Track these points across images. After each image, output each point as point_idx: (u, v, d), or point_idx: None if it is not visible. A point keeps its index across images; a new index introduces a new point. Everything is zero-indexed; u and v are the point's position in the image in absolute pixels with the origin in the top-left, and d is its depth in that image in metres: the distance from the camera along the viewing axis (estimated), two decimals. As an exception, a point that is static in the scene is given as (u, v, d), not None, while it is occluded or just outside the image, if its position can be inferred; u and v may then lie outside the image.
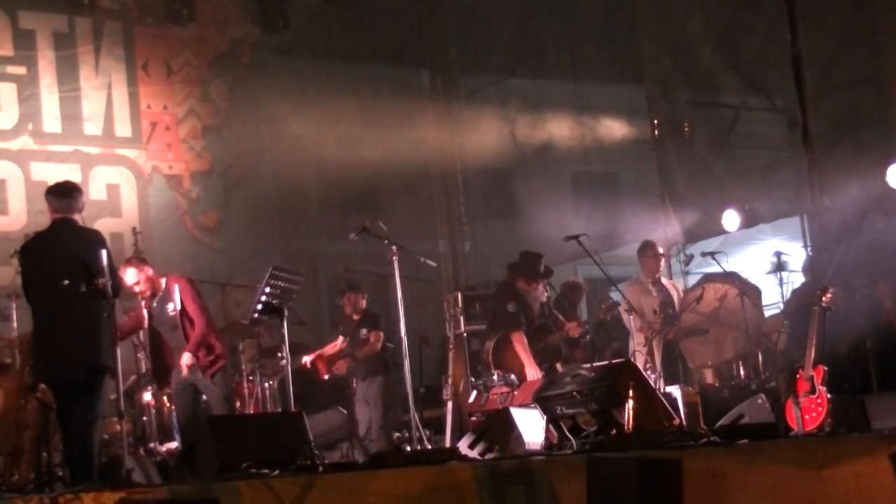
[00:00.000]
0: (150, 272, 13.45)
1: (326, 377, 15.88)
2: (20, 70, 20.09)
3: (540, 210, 25.77)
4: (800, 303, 15.28)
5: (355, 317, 15.56)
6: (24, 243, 11.20)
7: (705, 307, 15.20)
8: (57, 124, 20.05)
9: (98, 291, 10.19)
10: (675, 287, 16.09)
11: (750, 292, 15.28)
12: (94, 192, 19.35)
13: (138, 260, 13.80)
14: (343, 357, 15.81)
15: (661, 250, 15.65)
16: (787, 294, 17.01)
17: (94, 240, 10.64)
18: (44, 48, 20.18)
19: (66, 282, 10.23)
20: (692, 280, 18.01)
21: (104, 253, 10.43)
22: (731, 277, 15.40)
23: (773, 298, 17.51)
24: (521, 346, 14.36)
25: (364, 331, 15.48)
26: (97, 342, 10.36)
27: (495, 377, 14.14)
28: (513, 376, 14.01)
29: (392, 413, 15.61)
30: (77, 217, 10.77)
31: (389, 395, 15.49)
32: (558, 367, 14.52)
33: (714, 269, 15.85)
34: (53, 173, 18.83)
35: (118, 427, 12.26)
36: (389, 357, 15.66)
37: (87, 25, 20.52)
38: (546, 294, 15.01)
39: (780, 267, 17.29)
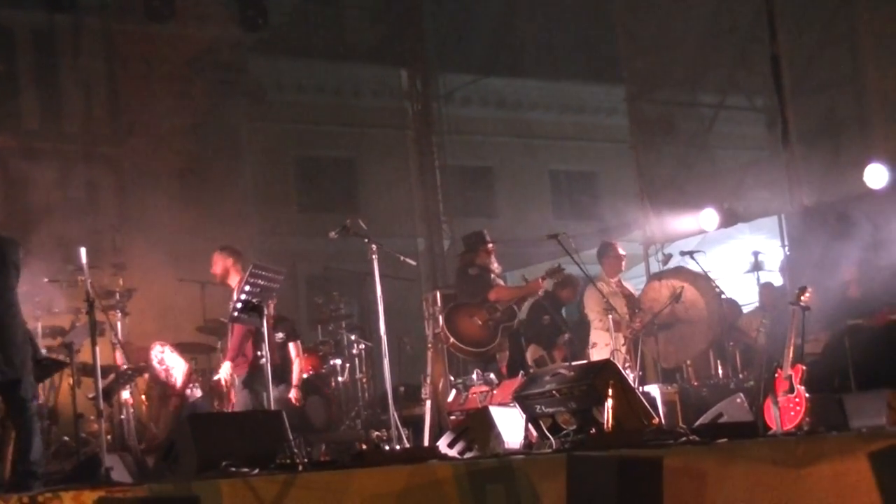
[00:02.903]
0: (230, 262, 13.63)
1: None
2: (-1, 67, 20.07)
3: (519, 208, 25.88)
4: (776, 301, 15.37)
5: None
6: None
7: (659, 306, 15.18)
8: (36, 122, 20.01)
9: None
10: (632, 287, 16.11)
11: (699, 281, 15.28)
12: (74, 189, 19.30)
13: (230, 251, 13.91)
14: None
15: (622, 251, 15.65)
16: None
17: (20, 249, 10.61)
18: (23, 45, 20.14)
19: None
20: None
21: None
22: (679, 272, 15.41)
23: (751, 298, 17.55)
24: (505, 290, 14.61)
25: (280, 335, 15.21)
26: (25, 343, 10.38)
27: (475, 376, 14.15)
28: (492, 375, 14.02)
29: None
30: None
31: None
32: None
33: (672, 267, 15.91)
34: (33, 171, 18.79)
35: (97, 426, 12.23)
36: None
37: (67, 23, 20.47)
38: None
39: (757, 266, 17.32)
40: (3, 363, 10.08)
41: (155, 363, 14.70)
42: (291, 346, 14.57)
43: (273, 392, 14.13)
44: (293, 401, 14.59)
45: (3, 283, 10.26)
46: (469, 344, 14.42)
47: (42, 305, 14.17)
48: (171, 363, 14.60)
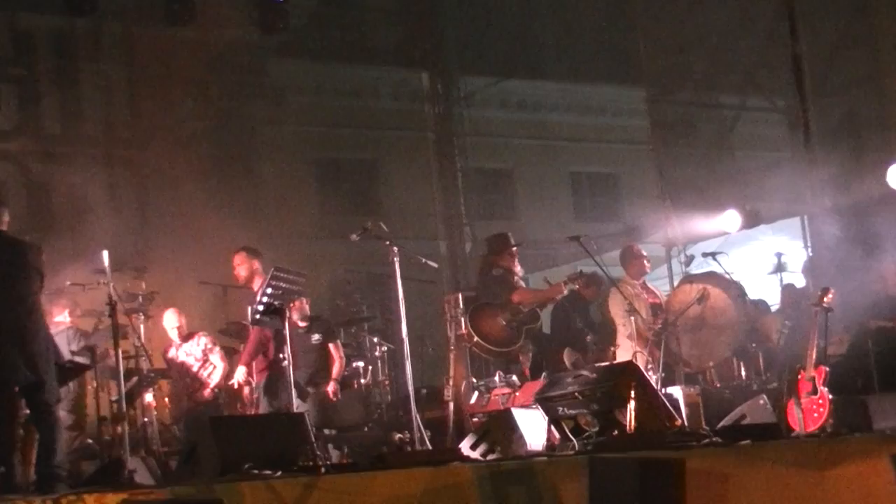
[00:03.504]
0: (255, 263, 13.68)
1: None
2: (20, 71, 20.11)
3: (540, 210, 25.86)
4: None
5: (302, 323, 15.22)
6: None
7: (692, 309, 15.14)
8: (57, 126, 20.06)
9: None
10: (658, 289, 16.08)
11: (731, 289, 15.24)
12: (93, 193, 19.33)
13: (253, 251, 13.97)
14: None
15: (644, 252, 15.61)
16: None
17: (42, 253, 10.63)
18: (44, 50, 20.20)
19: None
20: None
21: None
22: (711, 277, 15.34)
23: (773, 299, 17.50)
24: (528, 293, 14.63)
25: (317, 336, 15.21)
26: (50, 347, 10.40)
27: (497, 378, 14.13)
28: (514, 377, 14.01)
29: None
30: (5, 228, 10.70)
31: None
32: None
33: (703, 270, 15.84)
34: (54, 174, 18.86)
35: (119, 428, 12.25)
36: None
37: (87, 27, 20.52)
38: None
39: (780, 267, 17.27)
40: (27, 367, 10.11)
41: (194, 349, 14.71)
42: (331, 346, 14.73)
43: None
44: (331, 395, 14.66)
45: (25, 288, 10.28)
46: (492, 343, 14.41)
47: (65, 309, 14.20)
48: (214, 360, 14.59)
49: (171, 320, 14.81)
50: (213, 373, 14.68)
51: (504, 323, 14.35)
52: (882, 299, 13.95)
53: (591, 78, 27.24)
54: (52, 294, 12.77)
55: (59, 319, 13.68)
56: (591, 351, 15.04)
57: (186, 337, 14.86)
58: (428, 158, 25.55)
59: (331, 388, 14.61)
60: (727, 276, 15.02)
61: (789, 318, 15.41)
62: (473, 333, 14.35)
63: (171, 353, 14.83)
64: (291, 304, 14.27)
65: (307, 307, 14.99)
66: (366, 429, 15.54)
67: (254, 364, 13.64)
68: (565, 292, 14.86)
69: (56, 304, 13.60)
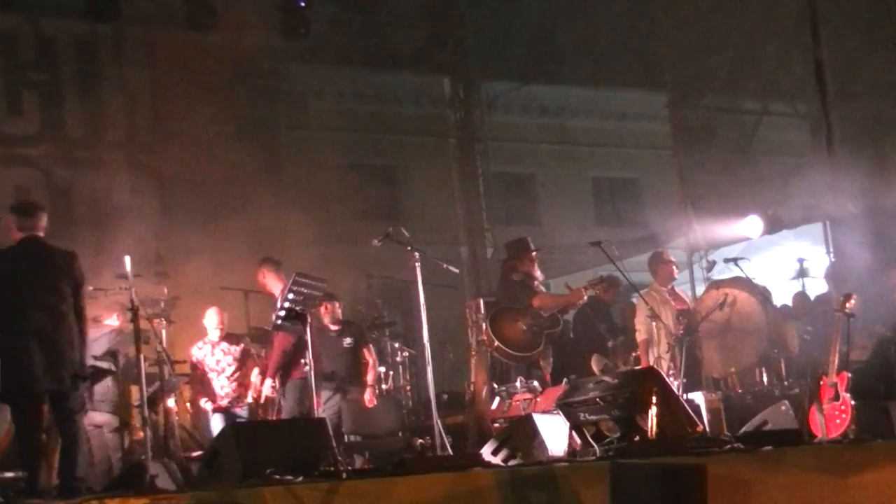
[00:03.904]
0: (273, 274, 13.81)
1: None
2: (43, 77, 20.17)
3: (561, 215, 25.82)
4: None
5: (334, 327, 15.26)
6: None
7: (717, 314, 15.12)
8: (79, 131, 20.12)
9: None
10: (686, 295, 16.06)
11: (757, 294, 15.22)
12: (116, 197, 19.39)
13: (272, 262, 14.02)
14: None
15: (672, 257, 15.60)
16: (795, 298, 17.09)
17: (78, 261, 10.66)
18: (66, 55, 20.26)
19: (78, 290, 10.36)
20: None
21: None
22: (738, 282, 15.31)
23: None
24: (548, 298, 14.61)
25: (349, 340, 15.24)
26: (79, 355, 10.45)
27: (518, 383, 14.13)
28: (535, 383, 14.00)
29: None
30: (42, 235, 10.72)
31: None
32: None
33: (730, 275, 15.80)
34: (76, 179, 18.91)
35: (142, 433, 12.28)
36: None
37: (110, 32, 20.58)
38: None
39: (802, 273, 17.24)
40: (48, 376, 10.15)
41: (233, 349, 14.71)
42: (365, 351, 14.79)
43: (336, 397, 14.29)
44: (366, 402, 14.70)
45: (54, 296, 10.32)
46: (513, 348, 14.40)
47: (114, 312, 14.23)
48: (252, 378, 14.38)
49: (212, 319, 14.78)
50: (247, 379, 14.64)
51: (525, 328, 14.35)
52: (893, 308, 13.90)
53: (613, 83, 27.21)
54: (99, 296, 12.79)
55: (109, 322, 13.72)
56: (618, 355, 15.05)
57: (227, 337, 14.85)
58: (449, 164, 25.56)
59: (367, 394, 14.66)
60: (753, 280, 15.01)
61: (810, 324, 15.42)
62: (494, 338, 14.35)
63: (203, 351, 14.75)
64: (324, 308, 14.36)
65: (339, 311, 15.03)
66: (400, 434, 15.55)
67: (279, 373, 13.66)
68: (585, 298, 14.86)
69: (107, 307, 13.63)
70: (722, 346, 15.03)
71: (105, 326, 13.36)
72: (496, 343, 14.37)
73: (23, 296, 10.28)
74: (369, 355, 15.21)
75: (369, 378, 15.01)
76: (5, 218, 10.70)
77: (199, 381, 14.66)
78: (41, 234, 10.60)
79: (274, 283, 13.76)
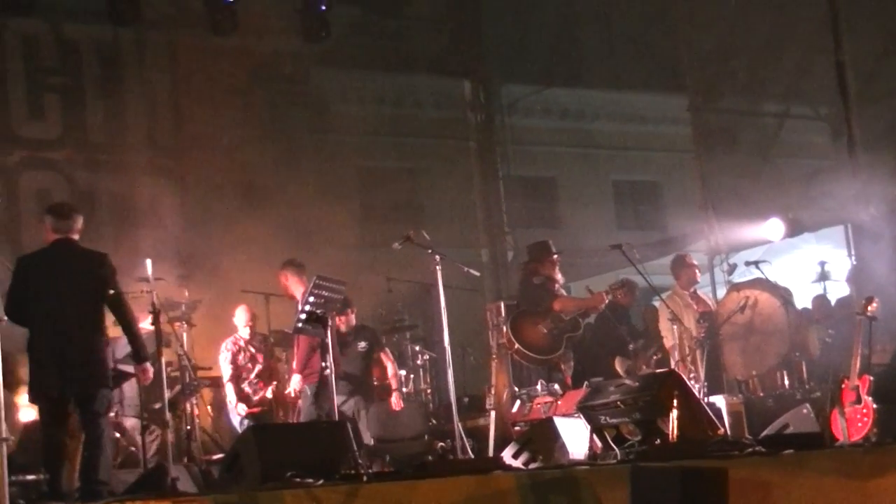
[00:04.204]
0: (295, 278, 13.88)
1: None
2: (65, 81, 20.23)
3: (582, 219, 25.79)
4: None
5: (344, 329, 15.16)
6: (22, 258, 11.00)
7: (740, 317, 15.10)
8: (101, 135, 20.17)
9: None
10: (709, 298, 16.05)
11: (779, 295, 15.20)
12: (139, 201, 19.43)
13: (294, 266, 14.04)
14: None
15: (694, 261, 15.60)
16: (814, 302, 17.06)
17: (109, 260, 10.68)
18: (88, 59, 20.31)
19: (112, 292, 10.35)
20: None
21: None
22: (759, 283, 15.28)
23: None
24: (569, 301, 14.64)
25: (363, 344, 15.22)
26: (105, 356, 10.48)
27: (539, 386, 14.15)
28: (556, 386, 14.01)
29: None
30: (77, 237, 10.76)
31: None
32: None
33: (751, 277, 15.77)
34: (98, 183, 18.94)
35: (163, 436, 12.32)
36: None
37: (131, 36, 20.64)
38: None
39: (824, 276, 17.20)
40: (64, 379, 10.20)
41: (263, 347, 14.76)
42: (382, 355, 14.83)
43: (349, 402, 14.28)
44: (394, 406, 14.72)
45: (82, 299, 10.35)
46: (534, 351, 14.42)
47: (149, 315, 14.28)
48: (292, 383, 14.15)
49: (242, 317, 14.81)
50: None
51: (545, 331, 14.36)
52: None
53: (634, 86, 27.15)
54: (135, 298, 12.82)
55: (143, 326, 13.74)
56: (640, 357, 15.05)
57: (257, 336, 14.89)
58: (470, 167, 25.53)
59: (394, 398, 14.70)
60: (776, 283, 15.00)
61: (830, 327, 15.40)
62: (514, 340, 14.36)
63: (235, 348, 14.74)
64: (339, 317, 14.37)
65: (353, 319, 15.03)
66: (426, 437, 15.56)
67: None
68: (607, 301, 14.87)
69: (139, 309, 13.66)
70: (744, 348, 15.02)
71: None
72: (516, 346, 14.39)
73: (50, 298, 10.33)
74: (387, 359, 15.23)
75: (393, 382, 15.05)
76: (42, 219, 10.79)
77: (234, 380, 14.65)
78: (76, 236, 10.66)
79: (296, 286, 13.79)
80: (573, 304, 14.86)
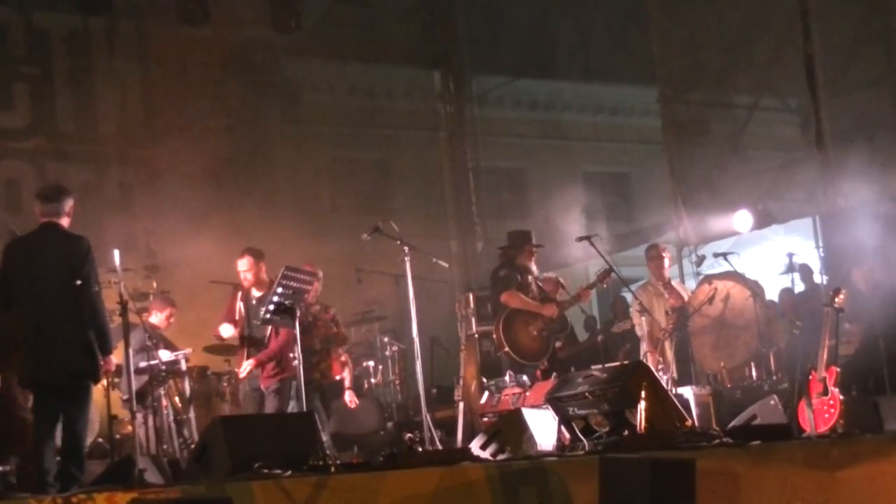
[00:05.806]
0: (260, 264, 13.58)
1: None
2: (34, 70, 20.15)
3: (552, 210, 25.79)
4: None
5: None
6: (10, 242, 10.95)
7: (711, 310, 15.15)
8: (71, 124, 20.09)
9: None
10: (684, 289, 16.08)
11: (750, 289, 15.25)
12: (109, 191, 19.38)
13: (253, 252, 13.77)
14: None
15: (665, 252, 15.62)
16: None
17: (84, 247, 10.55)
18: (58, 48, 20.24)
19: (79, 282, 10.25)
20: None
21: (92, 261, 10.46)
22: (733, 276, 15.32)
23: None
24: (517, 300, 14.44)
25: None
26: (87, 345, 10.37)
27: (507, 378, 14.15)
28: (525, 377, 14.01)
29: None
30: (65, 221, 10.67)
31: None
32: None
33: (723, 269, 15.82)
34: (68, 173, 18.87)
35: (130, 427, 12.26)
36: None
37: (101, 25, 20.56)
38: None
39: (792, 268, 17.26)
40: (44, 367, 10.16)
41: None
42: (337, 353, 14.74)
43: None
44: (348, 403, 14.69)
45: (57, 286, 10.26)
46: (524, 356, 14.38)
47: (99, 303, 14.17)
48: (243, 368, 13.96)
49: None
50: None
51: (536, 333, 14.35)
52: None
53: (604, 77, 27.16)
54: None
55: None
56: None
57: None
58: (440, 158, 25.53)
59: (347, 396, 14.65)
60: (748, 276, 15.05)
61: (798, 320, 15.48)
62: (505, 343, 14.33)
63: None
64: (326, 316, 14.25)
65: (332, 313, 14.87)
66: (381, 433, 15.56)
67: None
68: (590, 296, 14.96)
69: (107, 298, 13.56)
70: (715, 342, 15.08)
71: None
72: (506, 349, 14.35)
73: (29, 283, 10.28)
74: (343, 356, 15.13)
75: (347, 380, 14.97)
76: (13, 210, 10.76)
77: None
78: (64, 219, 10.57)
79: (260, 274, 13.63)
80: (562, 306, 14.76)
